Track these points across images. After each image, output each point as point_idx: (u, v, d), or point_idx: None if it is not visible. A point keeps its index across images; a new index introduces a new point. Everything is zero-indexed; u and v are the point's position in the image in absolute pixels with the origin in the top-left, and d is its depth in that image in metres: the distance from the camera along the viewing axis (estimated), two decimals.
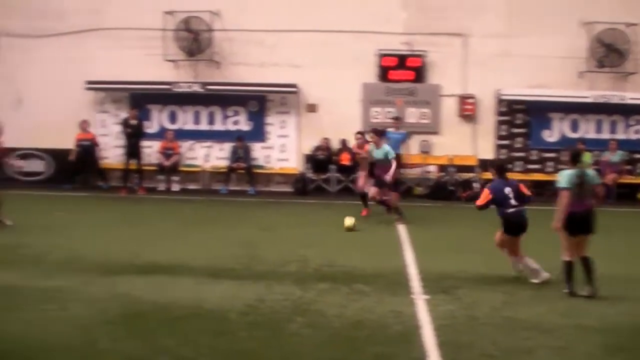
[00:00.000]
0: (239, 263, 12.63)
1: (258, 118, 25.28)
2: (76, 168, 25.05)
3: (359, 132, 20.44)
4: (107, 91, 25.66)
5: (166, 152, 24.98)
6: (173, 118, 25.69)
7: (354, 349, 8.12)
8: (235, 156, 24.77)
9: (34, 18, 25.66)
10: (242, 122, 25.38)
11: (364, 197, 18.95)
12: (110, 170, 25.57)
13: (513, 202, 11.49)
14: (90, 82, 24.98)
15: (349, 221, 16.30)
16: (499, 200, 11.51)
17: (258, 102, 25.19)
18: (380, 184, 17.73)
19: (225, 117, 25.47)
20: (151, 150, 25.06)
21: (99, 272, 11.77)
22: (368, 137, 19.26)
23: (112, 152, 25.64)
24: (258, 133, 25.23)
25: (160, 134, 25.24)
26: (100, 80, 24.99)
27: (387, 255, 12.30)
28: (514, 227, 11.52)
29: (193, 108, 25.54)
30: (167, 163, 24.89)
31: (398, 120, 23.48)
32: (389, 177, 17.38)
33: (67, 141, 24.51)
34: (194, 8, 24.44)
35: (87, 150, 24.91)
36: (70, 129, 24.54)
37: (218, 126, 25.48)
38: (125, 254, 13.27)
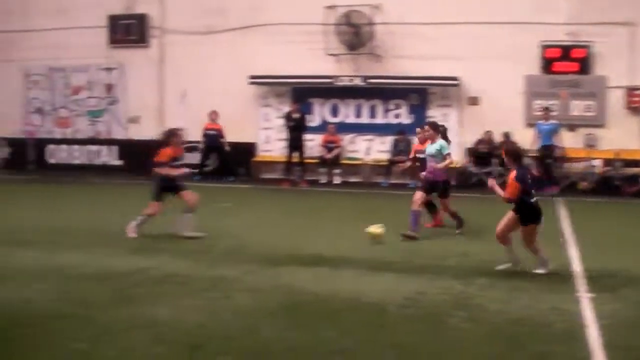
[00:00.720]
0: (399, 256, 12.68)
1: (419, 111, 25.19)
2: (205, 156, 25.93)
3: (422, 126, 17.26)
4: (269, 85, 26.18)
5: (328, 145, 25.27)
6: (335, 111, 25.95)
7: (515, 346, 8.01)
8: (396, 149, 24.79)
9: (198, 16, 26.51)
10: (403, 116, 25.37)
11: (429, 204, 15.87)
12: (272, 164, 26.10)
13: (533, 190, 11.29)
14: (253, 77, 25.55)
15: (375, 229, 13.86)
16: (527, 190, 11.20)
17: (419, 95, 25.11)
18: (428, 186, 14.95)
19: (387, 110, 25.53)
20: (313, 144, 25.39)
21: (262, 262, 12.04)
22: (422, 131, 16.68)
23: (274, 146, 26.15)
24: (419, 126, 25.08)
25: (322, 128, 25.55)
26: (263, 74, 25.53)
27: (550, 251, 12.04)
28: (538, 214, 11.25)
29: (355, 101, 25.71)
30: (329, 156, 25.17)
31: (547, 111, 23.02)
32: (430, 173, 14.93)
33: (230, 135, 25.16)
34: (355, 2, 24.60)
35: (213, 140, 25.55)
36: (234, 123, 25.22)
37: (379, 119, 25.58)
38: (287, 245, 13.54)
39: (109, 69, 28.14)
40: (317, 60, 25.00)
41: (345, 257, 12.53)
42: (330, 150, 25.20)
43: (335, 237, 14.51)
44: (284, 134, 24.97)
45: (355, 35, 24.83)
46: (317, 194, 22.80)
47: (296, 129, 24.38)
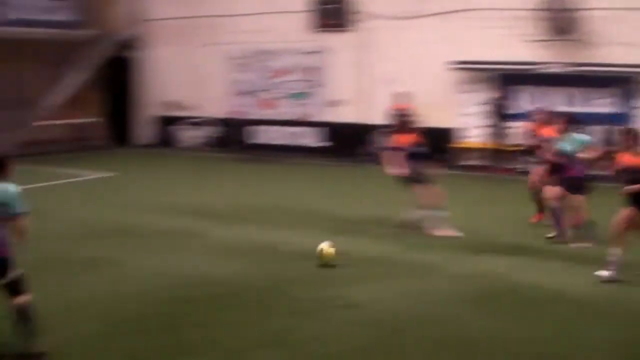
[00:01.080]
0: (606, 249, 12.35)
1: (626, 101, 24.24)
2: None
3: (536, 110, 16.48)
4: (472, 71, 25.89)
5: (531, 134, 24.73)
6: (539, 99, 25.33)
7: None
8: (609, 141, 23.86)
9: (401, 2, 26.53)
10: (610, 105, 24.42)
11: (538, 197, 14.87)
12: (471, 150, 25.89)
13: None
14: (456, 62, 25.34)
15: (327, 248, 11.39)
16: None
17: (627, 84, 24.16)
18: (572, 185, 13.30)
19: (591, 99, 24.68)
20: (516, 131, 24.93)
21: (462, 249, 12.11)
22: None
23: (473, 132, 25.89)
24: (624, 116, 24.15)
25: (526, 115, 25.02)
26: (465, 60, 25.29)
27: None
28: None
29: (559, 89, 24.97)
30: (531, 144, 24.64)
31: None
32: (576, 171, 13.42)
33: (429, 120, 24.94)
34: None
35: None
36: (434, 108, 24.94)
37: (583, 108, 24.73)
38: (486, 232, 13.53)
39: (311, 53, 28.65)
40: (522, 46, 24.43)
41: (548, 248, 12.38)
42: (533, 138, 24.66)
43: (535, 227, 14.28)
44: (486, 121, 24.69)
45: (561, 20, 24.17)
46: (518, 182, 22.39)
47: (498, 116, 24.09)
